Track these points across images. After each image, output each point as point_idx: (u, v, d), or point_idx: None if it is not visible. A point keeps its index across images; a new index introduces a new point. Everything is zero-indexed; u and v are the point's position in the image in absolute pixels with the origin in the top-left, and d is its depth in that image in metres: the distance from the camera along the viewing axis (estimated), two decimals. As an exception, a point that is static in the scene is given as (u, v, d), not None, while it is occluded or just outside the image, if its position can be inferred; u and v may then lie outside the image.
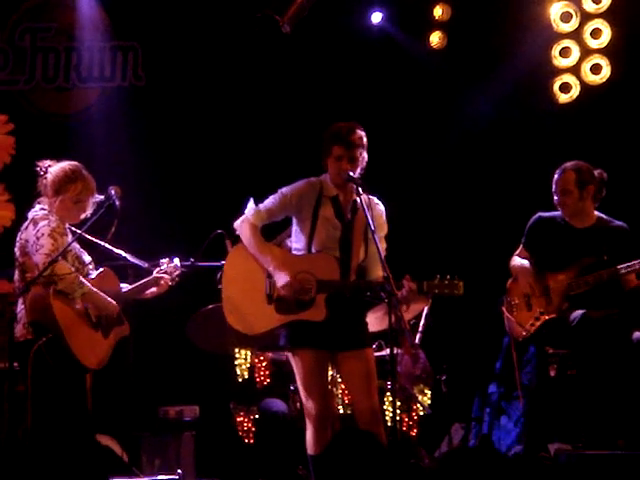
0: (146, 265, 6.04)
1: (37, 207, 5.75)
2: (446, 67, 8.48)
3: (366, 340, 5.75)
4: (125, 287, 5.91)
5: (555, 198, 6.43)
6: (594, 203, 6.46)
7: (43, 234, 5.56)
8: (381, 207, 5.78)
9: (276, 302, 5.66)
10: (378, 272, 5.54)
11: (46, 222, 5.62)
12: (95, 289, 5.62)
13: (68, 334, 5.47)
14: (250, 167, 8.40)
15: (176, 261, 6.09)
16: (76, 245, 5.71)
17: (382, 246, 5.64)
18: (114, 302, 5.71)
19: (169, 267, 6.05)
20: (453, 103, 8.52)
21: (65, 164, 5.81)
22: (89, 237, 5.87)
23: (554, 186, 6.42)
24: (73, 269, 5.55)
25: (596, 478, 5.09)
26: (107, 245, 5.93)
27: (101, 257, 5.93)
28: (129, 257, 6.02)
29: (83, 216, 5.75)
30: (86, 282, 5.59)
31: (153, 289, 5.97)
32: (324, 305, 5.56)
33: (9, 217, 8.45)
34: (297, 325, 5.62)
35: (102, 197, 5.77)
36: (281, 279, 5.58)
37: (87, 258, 5.77)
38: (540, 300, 6.39)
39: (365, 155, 5.69)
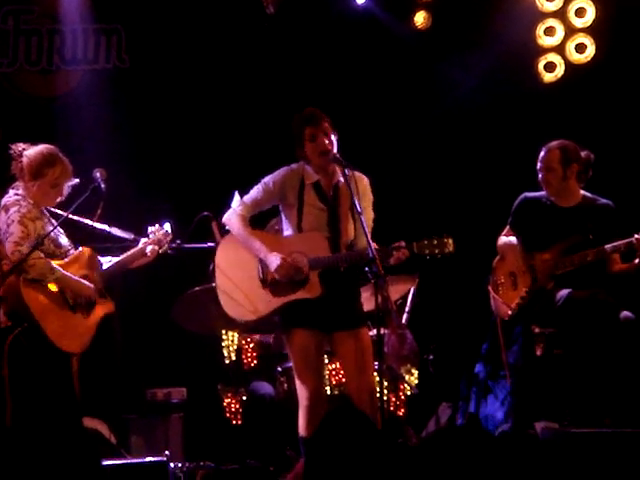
0: (131, 237, 5.99)
1: (11, 192, 5.68)
2: (431, 47, 8.45)
3: (361, 319, 5.76)
4: (108, 262, 5.85)
5: (539, 176, 6.43)
6: (579, 183, 6.46)
7: (13, 221, 5.51)
8: (365, 179, 5.79)
9: (270, 285, 5.67)
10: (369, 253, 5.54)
11: (16, 208, 5.56)
12: (68, 273, 5.56)
13: (43, 322, 5.44)
14: (234, 148, 8.38)
15: (166, 227, 6.04)
16: (54, 229, 5.63)
17: (370, 216, 5.71)
18: (89, 284, 5.64)
19: (159, 234, 6.00)
20: (438, 83, 8.50)
21: (41, 147, 5.73)
22: (71, 216, 5.81)
23: (539, 164, 6.43)
24: (42, 255, 5.47)
25: (582, 456, 5.12)
26: (89, 222, 5.89)
27: (87, 237, 5.91)
28: (113, 231, 5.99)
29: (59, 199, 5.70)
30: (57, 267, 5.51)
31: (142, 260, 5.92)
32: (318, 281, 5.57)
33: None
34: (292, 306, 5.63)
35: (77, 180, 5.72)
36: (273, 263, 5.58)
37: (64, 240, 5.71)
38: (526, 279, 6.40)
39: (335, 134, 5.70)
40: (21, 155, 5.72)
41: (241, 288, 5.71)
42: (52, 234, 5.61)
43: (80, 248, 5.74)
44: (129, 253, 5.90)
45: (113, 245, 6.04)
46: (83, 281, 5.63)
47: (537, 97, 8.41)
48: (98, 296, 5.71)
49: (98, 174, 5.70)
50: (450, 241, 5.48)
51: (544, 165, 6.41)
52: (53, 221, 5.71)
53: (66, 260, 5.65)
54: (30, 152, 5.71)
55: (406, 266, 5.70)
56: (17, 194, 5.65)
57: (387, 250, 5.44)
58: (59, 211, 5.80)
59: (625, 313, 6.17)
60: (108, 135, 6.04)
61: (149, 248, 5.93)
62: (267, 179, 5.76)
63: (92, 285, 5.66)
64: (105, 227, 5.97)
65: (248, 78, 8.54)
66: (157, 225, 6.02)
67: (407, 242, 5.48)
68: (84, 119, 8.26)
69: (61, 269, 5.53)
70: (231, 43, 8.59)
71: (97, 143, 5.86)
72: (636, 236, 6.11)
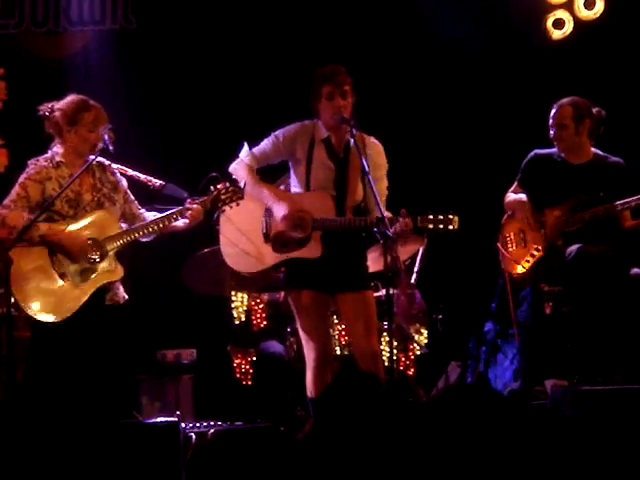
0: (184, 195, 5.83)
1: (49, 152, 5.69)
2: (438, 5, 8.38)
3: (366, 282, 5.75)
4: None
5: (551, 132, 6.39)
6: (591, 140, 6.43)
7: (17, 183, 5.56)
8: (379, 146, 5.76)
9: (273, 241, 5.67)
10: (378, 213, 5.51)
11: (27, 169, 5.60)
12: (54, 230, 5.48)
13: (15, 287, 5.40)
14: (243, 108, 8.35)
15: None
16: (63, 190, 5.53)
17: (383, 184, 5.67)
18: (79, 237, 5.50)
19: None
20: (446, 42, 8.43)
21: (71, 96, 5.70)
22: (127, 172, 5.84)
23: (551, 120, 6.39)
24: (27, 215, 5.45)
25: (592, 413, 5.13)
26: (142, 176, 5.90)
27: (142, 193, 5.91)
28: (168, 188, 5.92)
29: (100, 146, 5.60)
30: (41, 226, 5.44)
31: (182, 221, 5.71)
32: (320, 242, 5.56)
33: (3, 163, 8.43)
34: (296, 266, 5.63)
35: (111, 125, 5.68)
36: (280, 211, 5.57)
37: (87, 197, 5.63)
38: (535, 236, 6.39)
39: (354, 95, 5.66)
40: (52, 110, 5.68)
41: (243, 239, 5.70)
42: (66, 193, 5.56)
43: (96, 211, 5.66)
44: (167, 213, 5.71)
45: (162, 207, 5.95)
46: (71, 234, 5.52)
47: (546, 54, 8.35)
48: (98, 255, 5.56)
49: (106, 136, 5.67)
50: (455, 218, 5.42)
51: (556, 121, 6.37)
52: (108, 177, 5.75)
53: (76, 221, 5.59)
54: (61, 104, 5.68)
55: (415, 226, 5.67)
56: (45, 155, 5.65)
57: (392, 219, 5.39)
58: (122, 167, 5.84)
59: (635, 270, 6.16)
60: (115, 96, 6.02)
61: (189, 212, 5.66)
62: (278, 132, 5.73)
63: (84, 238, 5.52)
64: (161, 182, 5.95)
65: (257, 37, 8.49)
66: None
67: (412, 213, 5.43)
68: (91, 80, 8.22)
69: (47, 226, 5.47)
70: (238, 2, 8.55)
71: (104, 104, 5.83)
72: None
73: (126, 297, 5.78)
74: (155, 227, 5.67)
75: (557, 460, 4.35)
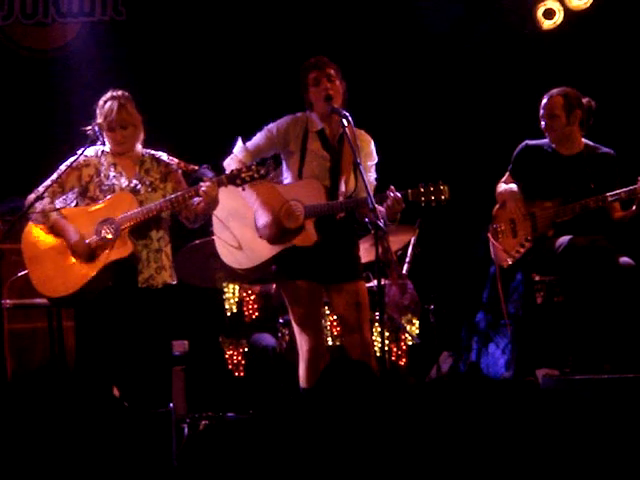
0: (210, 175, 5.80)
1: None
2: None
3: (358, 273, 5.76)
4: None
5: (542, 123, 6.40)
6: (581, 130, 6.43)
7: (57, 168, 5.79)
8: (369, 138, 5.78)
9: (267, 234, 5.66)
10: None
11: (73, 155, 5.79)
12: (63, 222, 5.69)
13: (31, 267, 5.72)
14: (237, 101, 8.34)
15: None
16: (111, 171, 5.77)
17: (372, 175, 5.69)
18: (73, 236, 5.67)
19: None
20: (437, 32, 8.43)
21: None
22: (164, 158, 5.93)
23: (542, 111, 6.40)
24: (49, 201, 5.68)
25: (583, 402, 5.14)
26: (175, 161, 5.96)
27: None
28: (204, 171, 5.94)
29: (95, 125, 5.79)
30: (53, 214, 5.68)
31: (197, 199, 5.71)
32: (313, 229, 5.57)
33: (-11, 154, 8.42)
34: (289, 256, 5.63)
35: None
36: (260, 220, 5.61)
37: (123, 183, 5.77)
38: (526, 226, 6.40)
39: (342, 82, 5.67)
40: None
41: (237, 236, 5.71)
42: (101, 179, 5.75)
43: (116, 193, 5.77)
44: (184, 190, 5.75)
45: None
46: (70, 232, 5.68)
47: (536, 44, 8.34)
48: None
49: (97, 127, 5.73)
50: (445, 188, 5.45)
51: (547, 112, 6.37)
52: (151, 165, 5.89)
53: (98, 203, 5.74)
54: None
55: (406, 216, 5.69)
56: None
57: (381, 196, 5.42)
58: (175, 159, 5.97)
59: (624, 259, 6.18)
60: (106, 88, 6.01)
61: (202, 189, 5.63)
62: (270, 126, 5.75)
63: (77, 237, 5.67)
64: (195, 168, 5.98)
65: (251, 25, 8.48)
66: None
67: (402, 190, 5.46)
68: (81, 72, 8.22)
69: (58, 216, 5.69)
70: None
71: (95, 96, 5.84)
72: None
73: (170, 282, 5.87)
74: (169, 204, 5.68)
75: (549, 448, 4.37)
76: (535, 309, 6.45)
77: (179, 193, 5.70)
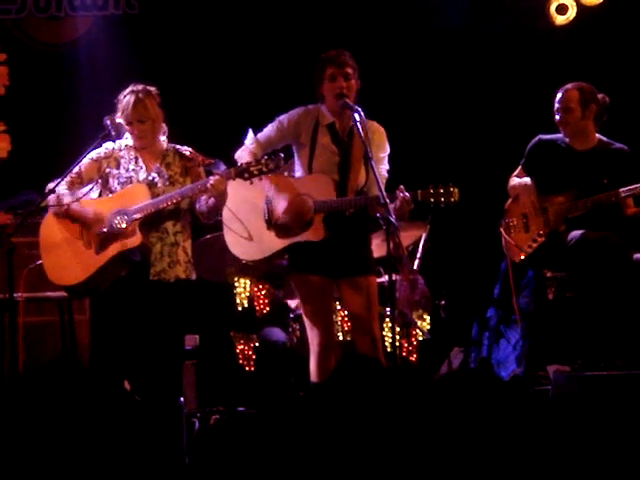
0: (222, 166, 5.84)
1: None
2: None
3: (370, 267, 5.76)
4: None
5: (557, 117, 6.37)
6: (596, 125, 6.42)
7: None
8: (381, 129, 5.76)
9: (275, 227, 5.67)
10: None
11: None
12: (79, 207, 5.72)
13: (44, 254, 5.80)
14: (248, 93, 8.34)
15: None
16: (131, 164, 5.79)
17: (384, 167, 5.67)
18: (87, 214, 5.71)
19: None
20: (451, 28, 8.41)
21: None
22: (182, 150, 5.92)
23: (556, 104, 6.37)
24: (66, 190, 5.73)
25: (595, 398, 5.13)
26: (194, 153, 5.95)
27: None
28: (219, 166, 5.95)
29: (138, 132, 5.80)
30: (65, 199, 5.72)
31: (206, 197, 5.71)
32: (322, 224, 5.57)
33: (5, 148, 8.42)
34: (300, 250, 5.64)
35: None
36: (280, 203, 5.59)
37: (141, 176, 5.77)
38: (538, 221, 6.38)
39: (357, 81, 5.67)
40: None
41: (246, 227, 5.72)
42: (120, 172, 5.78)
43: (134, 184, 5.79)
44: (194, 184, 5.74)
45: None
46: (88, 211, 5.72)
47: (549, 40, 8.33)
48: (115, 230, 5.68)
49: (108, 121, 5.73)
50: (456, 190, 5.44)
51: (562, 105, 6.35)
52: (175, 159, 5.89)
53: (113, 194, 5.78)
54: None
55: (417, 212, 5.68)
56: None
57: (390, 196, 5.39)
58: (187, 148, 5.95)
59: (638, 255, 6.16)
60: (118, 82, 6.02)
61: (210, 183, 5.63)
62: (282, 117, 5.75)
63: (92, 216, 5.71)
64: (212, 161, 5.99)
65: (263, 18, 8.47)
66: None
67: (413, 189, 5.45)
68: (93, 66, 8.24)
69: (74, 202, 5.71)
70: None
71: (107, 90, 5.85)
72: None
73: (182, 277, 5.85)
74: (179, 198, 5.69)
75: (559, 445, 4.36)
76: (546, 305, 6.44)
77: (189, 186, 5.71)
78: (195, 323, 7.88)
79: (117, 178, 5.79)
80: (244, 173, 5.54)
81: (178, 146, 5.95)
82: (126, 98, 5.80)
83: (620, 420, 4.76)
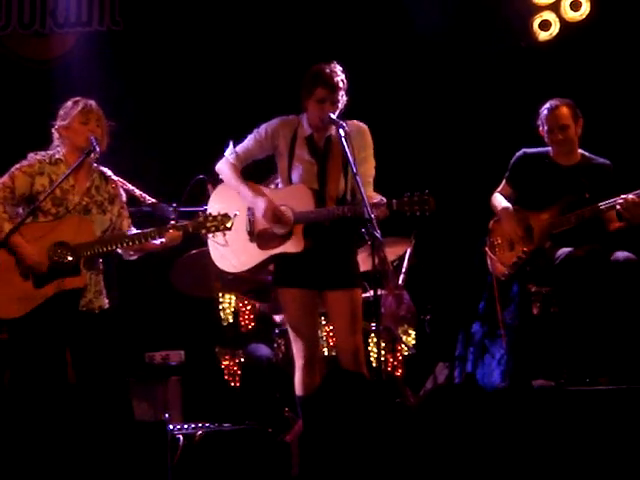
0: (172, 215, 5.84)
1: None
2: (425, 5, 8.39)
3: (355, 280, 5.75)
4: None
5: (550, 135, 6.34)
6: (578, 141, 6.44)
7: (8, 171, 5.60)
8: (363, 126, 5.75)
9: (257, 238, 5.69)
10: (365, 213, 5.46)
11: (24, 160, 5.62)
12: (18, 239, 5.45)
13: None
14: (231, 107, 8.36)
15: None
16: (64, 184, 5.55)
17: (369, 165, 5.69)
18: (30, 256, 5.46)
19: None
20: (435, 42, 8.44)
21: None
22: (122, 181, 5.86)
23: (550, 122, 6.34)
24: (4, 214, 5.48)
25: (578, 413, 5.14)
26: (137, 191, 5.94)
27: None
28: (159, 207, 5.95)
29: (92, 136, 5.61)
30: (7, 231, 5.41)
31: (160, 241, 5.66)
32: (302, 235, 5.58)
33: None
34: (284, 264, 5.65)
35: (112, 123, 5.78)
36: (260, 207, 5.60)
37: (75, 199, 5.59)
38: (523, 240, 6.39)
39: (345, 97, 5.67)
40: (56, 118, 5.76)
41: (229, 240, 5.72)
42: (56, 192, 5.52)
43: (79, 214, 5.62)
44: (149, 230, 5.65)
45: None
46: (27, 253, 5.47)
47: (532, 55, 8.36)
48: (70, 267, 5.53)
49: (92, 137, 5.67)
50: (432, 200, 5.40)
51: (559, 123, 6.32)
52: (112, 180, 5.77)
53: (52, 222, 5.56)
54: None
55: (402, 227, 5.69)
56: (47, 150, 5.70)
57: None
58: (122, 180, 5.89)
59: (622, 253, 6.13)
60: (102, 98, 6.03)
61: (167, 233, 5.62)
62: (260, 127, 5.77)
63: (35, 259, 5.46)
64: (153, 201, 5.99)
65: (245, 33, 8.50)
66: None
67: (388, 199, 5.43)
68: (78, 82, 8.21)
69: (9, 233, 5.42)
70: (226, 2, 8.56)
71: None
72: (621, 198, 6.10)
73: (105, 307, 5.73)
74: (130, 242, 5.61)
75: (545, 458, 4.37)
76: (531, 320, 6.44)
77: (142, 232, 5.64)
78: (180, 338, 7.90)
79: (51, 199, 5.54)
80: (200, 229, 5.58)
81: (101, 167, 5.80)
82: (74, 102, 5.73)
83: (606, 434, 4.78)
